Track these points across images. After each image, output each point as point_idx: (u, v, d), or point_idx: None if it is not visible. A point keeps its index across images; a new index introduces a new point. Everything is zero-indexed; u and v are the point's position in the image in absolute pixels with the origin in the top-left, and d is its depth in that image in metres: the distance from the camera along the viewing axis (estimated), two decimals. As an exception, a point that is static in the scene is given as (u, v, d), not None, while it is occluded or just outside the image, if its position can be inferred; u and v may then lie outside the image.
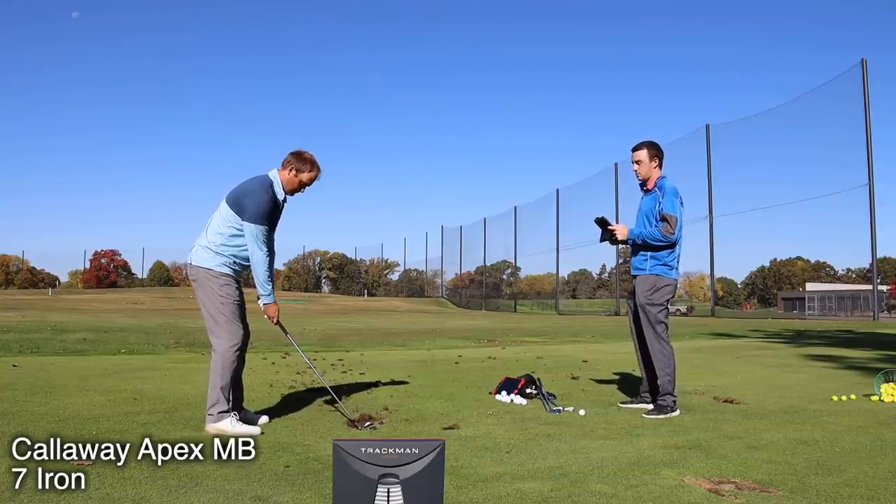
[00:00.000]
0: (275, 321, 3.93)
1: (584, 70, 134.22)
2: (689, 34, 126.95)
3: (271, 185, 3.78)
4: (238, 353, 3.76)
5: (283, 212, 3.94)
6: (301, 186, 3.88)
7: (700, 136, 32.96)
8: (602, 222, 4.61)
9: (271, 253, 3.88)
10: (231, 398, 3.72)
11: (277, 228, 3.96)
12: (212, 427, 3.62)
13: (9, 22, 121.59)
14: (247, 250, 3.77)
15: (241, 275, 3.90)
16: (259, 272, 3.78)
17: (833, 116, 27.46)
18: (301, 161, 3.83)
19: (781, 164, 35.79)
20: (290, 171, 3.82)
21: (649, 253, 4.49)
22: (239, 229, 3.74)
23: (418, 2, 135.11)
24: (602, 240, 4.68)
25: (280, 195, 3.82)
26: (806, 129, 31.09)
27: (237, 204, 3.73)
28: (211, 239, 3.77)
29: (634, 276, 4.59)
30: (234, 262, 3.80)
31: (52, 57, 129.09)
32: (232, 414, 3.67)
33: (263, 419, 3.94)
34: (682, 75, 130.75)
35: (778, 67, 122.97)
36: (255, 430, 3.63)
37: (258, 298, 3.88)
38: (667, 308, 4.52)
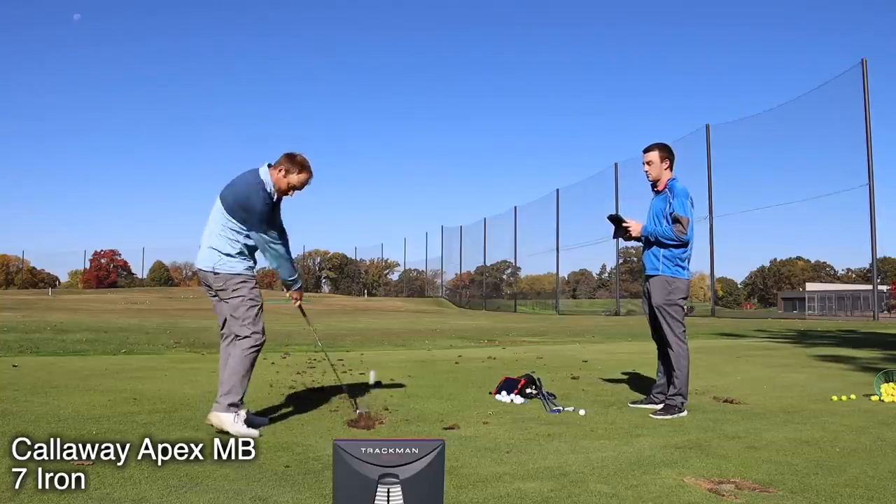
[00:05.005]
0: (298, 304, 4.14)
1: (585, 70, 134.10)
2: (689, 35, 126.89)
3: (264, 186, 3.79)
4: (257, 353, 3.80)
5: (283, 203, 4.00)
6: (289, 188, 3.85)
7: (700, 136, 32.91)
8: (616, 219, 4.65)
9: (283, 237, 3.99)
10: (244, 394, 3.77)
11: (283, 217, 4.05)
12: (215, 416, 3.60)
13: (9, 22, 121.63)
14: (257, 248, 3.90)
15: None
16: (282, 264, 3.92)
17: (833, 116, 27.38)
18: (291, 163, 3.82)
19: (781, 164, 35.63)
20: (280, 171, 3.82)
21: (662, 252, 4.50)
22: (248, 234, 3.82)
23: (419, 3, 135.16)
24: (615, 236, 4.73)
25: (272, 193, 3.83)
26: (806, 129, 30.97)
27: (239, 214, 3.77)
28: (230, 246, 3.81)
29: (648, 277, 4.60)
30: (253, 265, 3.93)
31: (53, 58, 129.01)
32: (238, 411, 3.66)
33: (263, 421, 3.92)
34: (682, 75, 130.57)
35: (778, 67, 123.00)
36: (253, 432, 3.59)
37: (287, 289, 4.05)
38: (683, 308, 4.54)
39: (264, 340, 3.84)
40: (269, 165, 3.86)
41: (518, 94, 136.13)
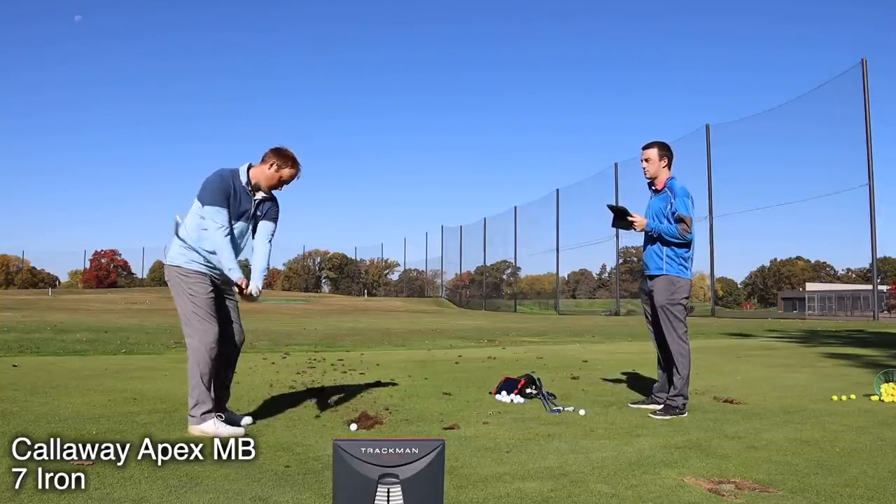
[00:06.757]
0: (247, 292, 3.75)
1: (585, 70, 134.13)
2: (689, 33, 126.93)
3: (233, 172, 3.78)
4: (213, 350, 3.64)
5: (264, 210, 3.88)
6: (280, 183, 3.86)
7: (700, 136, 32.90)
8: (622, 211, 4.61)
9: (237, 242, 3.79)
10: (214, 398, 3.67)
11: (266, 226, 3.90)
12: (195, 429, 3.56)
13: (9, 21, 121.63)
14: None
15: (219, 272, 3.79)
16: (220, 253, 3.67)
17: (833, 116, 27.38)
18: (282, 157, 3.82)
19: (781, 164, 35.71)
20: (271, 166, 3.81)
21: (665, 251, 4.45)
22: (204, 219, 3.70)
23: (418, 1, 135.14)
24: (614, 225, 4.70)
25: (243, 180, 3.77)
26: (806, 129, 30.98)
27: (199, 194, 3.73)
28: (182, 236, 3.74)
29: (650, 277, 4.56)
30: (207, 260, 3.73)
31: (53, 57, 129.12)
32: (216, 415, 3.61)
33: (247, 420, 3.88)
34: (682, 75, 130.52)
35: (778, 67, 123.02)
36: (238, 430, 3.57)
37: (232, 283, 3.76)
38: (685, 308, 4.51)
39: (213, 340, 3.65)
40: (251, 165, 3.85)
41: (518, 92, 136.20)
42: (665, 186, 4.53)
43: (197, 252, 3.71)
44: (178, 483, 2.67)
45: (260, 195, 3.86)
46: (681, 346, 4.41)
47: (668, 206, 4.46)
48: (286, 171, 3.83)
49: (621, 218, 4.61)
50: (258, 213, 3.87)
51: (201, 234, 3.71)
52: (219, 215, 3.68)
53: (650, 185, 4.64)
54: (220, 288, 3.84)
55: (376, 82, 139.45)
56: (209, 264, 3.74)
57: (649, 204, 4.66)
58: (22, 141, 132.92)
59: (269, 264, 3.91)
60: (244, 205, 3.80)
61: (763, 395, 5.18)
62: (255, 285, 3.75)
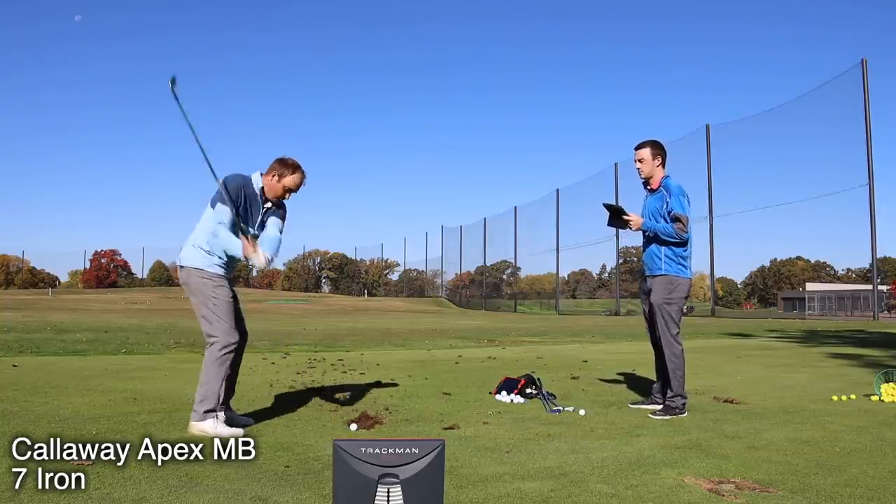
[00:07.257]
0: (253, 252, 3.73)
1: (585, 70, 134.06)
2: (689, 33, 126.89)
3: (245, 178, 3.80)
4: (233, 353, 3.72)
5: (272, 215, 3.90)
6: (285, 191, 3.86)
7: (700, 136, 32.89)
8: (617, 210, 4.61)
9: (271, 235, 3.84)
10: (221, 398, 3.68)
11: (274, 220, 3.90)
12: (194, 426, 3.57)
13: (9, 22, 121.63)
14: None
15: (234, 271, 3.88)
16: (227, 242, 3.68)
17: (833, 116, 27.36)
18: (283, 166, 3.82)
19: (781, 164, 35.72)
20: (273, 176, 3.81)
21: (664, 251, 4.45)
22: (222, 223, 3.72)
23: (418, 1, 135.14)
24: (610, 224, 4.70)
25: (256, 187, 3.81)
26: (806, 129, 30.97)
27: (214, 198, 3.75)
28: (200, 239, 3.76)
29: (650, 277, 4.56)
30: (224, 262, 3.78)
31: (53, 57, 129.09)
32: (217, 415, 3.62)
33: (247, 421, 3.88)
34: (682, 75, 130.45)
35: (778, 67, 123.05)
36: (237, 431, 3.56)
37: (248, 260, 3.73)
38: (681, 309, 4.51)
39: (235, 342, 3.72)
40: (262, 174, 3.86)
41: (518, 92, 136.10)
42: (660, 185, 4.53)
43: (215, 255, 3.75)
44: (178, 483, 2.67)
45: (269, 204, 3.89)
46: (673, 346, 4.41)
47: (664, 206, 4.45)
48: (287, 179, 3.83)
49: (617, 217, 4.61)
50: (265, 220, 3.90)
51: (211, 240, 3.73)
52: (227, 217, 3.70)
53: (645, 184, 4.64)
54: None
55: (376, 82, 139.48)
56: (226, 266, 3.79)
57: (645, 203, 4.66)
58: (22, 141, 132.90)
59: (276, 249, 3.84)
60: (253, 211, 3.83)
61: (763, 395, 5.18)
62: (261, 254, 3.73)
